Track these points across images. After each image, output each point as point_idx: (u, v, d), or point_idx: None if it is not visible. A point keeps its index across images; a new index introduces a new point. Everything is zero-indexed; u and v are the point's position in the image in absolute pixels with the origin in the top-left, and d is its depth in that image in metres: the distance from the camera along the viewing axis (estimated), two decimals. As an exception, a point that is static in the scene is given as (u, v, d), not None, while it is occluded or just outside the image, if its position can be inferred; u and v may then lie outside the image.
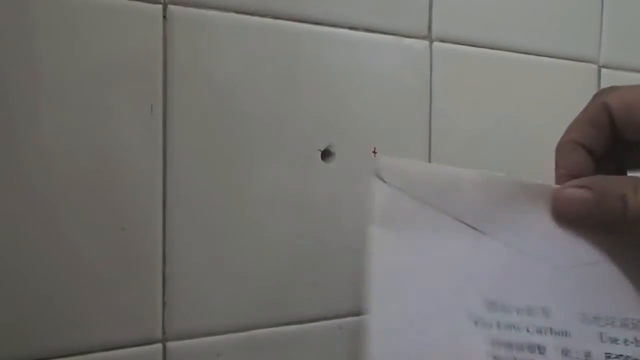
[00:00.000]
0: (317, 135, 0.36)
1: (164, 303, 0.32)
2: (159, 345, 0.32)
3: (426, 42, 0.40)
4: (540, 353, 0.19)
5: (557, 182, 0.22)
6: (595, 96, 0.23)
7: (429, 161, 0.40)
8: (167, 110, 0.32)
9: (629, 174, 0.23)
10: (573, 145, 0.23)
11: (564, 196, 0.20)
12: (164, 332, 0.32)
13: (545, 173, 0.49)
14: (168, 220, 0.32)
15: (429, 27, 0.40)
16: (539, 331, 0.19)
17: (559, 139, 0.23)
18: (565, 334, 0.19)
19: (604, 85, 0.48)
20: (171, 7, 0.31)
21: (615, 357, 0.18)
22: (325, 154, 0.36)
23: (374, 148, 0.38)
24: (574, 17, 0.46)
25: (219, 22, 0.33)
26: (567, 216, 0.20)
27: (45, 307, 0.29)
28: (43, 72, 0.29)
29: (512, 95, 0.43)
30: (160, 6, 0.31)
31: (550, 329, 0.19)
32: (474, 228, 0.21)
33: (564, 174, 0.22)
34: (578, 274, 0.20)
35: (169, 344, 0.32)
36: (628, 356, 0.18)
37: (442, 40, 0.40)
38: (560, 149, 0.23)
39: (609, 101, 0.22)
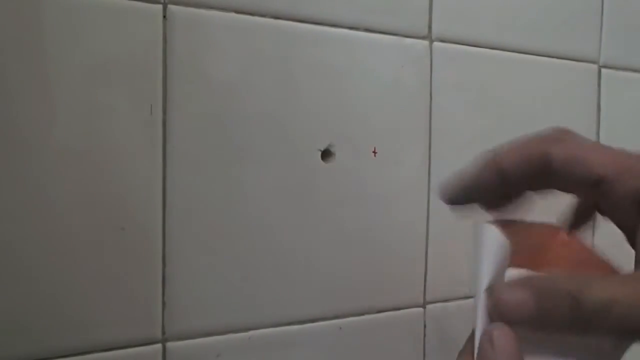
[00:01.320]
0: (317, 135, 0.36)
1: (164, 303, 0.32)
2: (159, 346, 0.32)
3: (426, 42, 0.40)
4: None
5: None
6: (540, 140, 0.22)
7: (429, 161, 0.40)
8: (166, 110, 0.32)
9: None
10: (495, 168, 0.23)
11: (506, 297, 0.18)
12: (163, 332, 0.32)
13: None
14: (168, 220, 0.32)
15: (429, 27, 0.40)
16: None
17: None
18: None
19: (604, 85, 0.48)
20: (171, 7, 0.31)
21: None
22: (325, 154, 0.36)
23: (374, 148, 0.38)
24: (574, 17, 0.46)
25: (219, 22, 0.33)
26: (507, 319, 0.18)
27: (44, 307, 0.29)
28: (42, 71, 0.29)
29: (512, 96, 0.43)
30: (160, 6, 0.31)
31: None
32: None
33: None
34: None
35: (169, 344, 0.32)
36: None
37: (442, 40, 0.40)
38: (483, 165, 0.23)
39: (553, 152, 0.21)
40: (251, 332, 0.34)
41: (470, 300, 0.42)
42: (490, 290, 0.19)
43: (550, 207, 0.25)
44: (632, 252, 0.20)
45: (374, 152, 0.38)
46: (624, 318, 0.17)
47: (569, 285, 0.18)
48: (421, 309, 0.40)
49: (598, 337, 0.18)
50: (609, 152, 0.21)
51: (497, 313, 0.19)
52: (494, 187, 0.23)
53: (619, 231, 0.21)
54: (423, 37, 0.39)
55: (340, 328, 0.37)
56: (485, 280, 0.20)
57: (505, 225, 0.22)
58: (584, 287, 0.17)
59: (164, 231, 0.32)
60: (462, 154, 0.41)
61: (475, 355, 0.19)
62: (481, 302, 0.20)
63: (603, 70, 0.48)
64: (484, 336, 0.19)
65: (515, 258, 0.21)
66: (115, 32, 0.30)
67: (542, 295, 0.18)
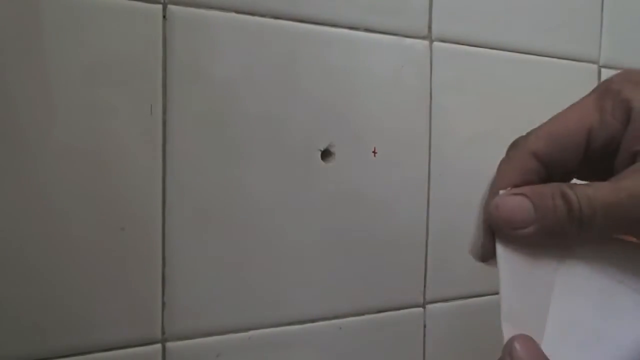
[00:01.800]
0: (317, 135, 0.36)
1: (163, 303, 0.32)
2: (159, 346, 0.32)
3: (426, 42, 0.40)
4: None
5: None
6: (516, 145, 0.22)
7: (429, 161, 0.40)
8: (166, 110, 0.32)
9: None
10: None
11: (505, 204, 0.19)
12: (163, 333, 0.32)
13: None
14: (168, 220, 0.32)
15: (429, 27, 0.40)
16: None
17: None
18: None
19: (604, 85, 0.48)
20: (171, 7, 0.31)
21: None
22: (325, 154, 0.36)
23: (374, 148, 0.38)
24: (574, 17, 0.46)
25: (219, 22, 0.33)
26: (510, 226, 0.19)
27: (44, 307, 0.29)
28: (42, 71, 0.29)
29: (512, 95, 0.43)
30: (160, 6, 0.31)
31: None
32: None
33: None
34: None
35: (169, 344, 0.32)
36: None
37: (442, 40, 0.40)
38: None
39: (534, 147, 0.21)
40: (251, 332, 0.34)
41: (470, 300, 0.42)
42: (487, 204, 0.20)
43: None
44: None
45: (374, 152, 0.38)
46: (608, 213, 0.18)
47: (556, 187, 0.19)
48: (421, 309, 0.40)
49: (593, 234, 0.19)
50: (573, 109, 0.22)
51: (499, 221, 0.19)
52: None
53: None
54: (423, 37, 0.39)
55: (340, 328, 0.37)
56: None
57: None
58: (568, 187, 0.19)
59: (164, 231, 0.32)
60: (462, 154, 0.41)
61: None
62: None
63: (603, 70, 0.48)
64: (505, 347, 0.19)
65: None
66: (115, 32, 0.30)
67: (536, 195, 0.19)
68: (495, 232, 0.20)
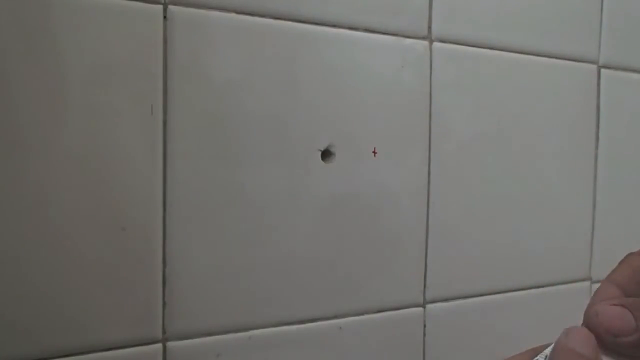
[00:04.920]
0: (317, 135, 0.36)
1: (164, 303, 0.32)
2: (159, 345, 0.32)
3: (426, 42, 0.40)
4: None
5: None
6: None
7: (429, 161, 0.40)
8: (167, 110, 0.32)
9: None
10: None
11: (605, 312, 0.19)
12: (164, 332, 0.32)
13: (543, 173, 0.49)
14: (168, 220, 0.32)
15: (429, 27, 0.40)
16: None
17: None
18: None
19: (603, 85, 0.48)
20: (171, 7, 0.31)
21: None
22: (325, 154, 0.36)
23: (374, 148, 0.38)
24: (574, 17, 0.46)
25: (219, 22, 0.33)
26: (611, 333, 0.19)
27: (45, 307, 0.29)
28: (43, 72, 0.29)
29: (512, 95, 0.43)
30: (160, 6, 0.31)
31: None
32: None
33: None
34: None
35: (169, 344, 0.32)
36: None
37: (442, 40, 0.40)
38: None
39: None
40: (251, 332, 0.34)
41: (470, 300, 0.42)
42: (587, 310, 0.20)
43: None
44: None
45: (374, 152, 0.38)
46: None
47: None
48: (421, 309, 0.40)
49: None
50: None
51: (600, 328, 0.19)
52: None
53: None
54: (423, 37, 0.39)
55: (340, 328, 0.37)
56: None
57: None
58: None
59: (164, 231, 0.32)
60: (462, 154, 0.41)
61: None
62: None
63: (603, 70, 0.48)
64: (561, 333, 0.19)
65: None
66: (116, 33, 0.30)
67: (636, 307, 0.19)
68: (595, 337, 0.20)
